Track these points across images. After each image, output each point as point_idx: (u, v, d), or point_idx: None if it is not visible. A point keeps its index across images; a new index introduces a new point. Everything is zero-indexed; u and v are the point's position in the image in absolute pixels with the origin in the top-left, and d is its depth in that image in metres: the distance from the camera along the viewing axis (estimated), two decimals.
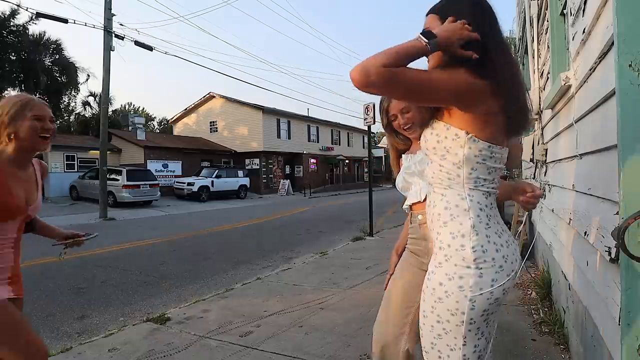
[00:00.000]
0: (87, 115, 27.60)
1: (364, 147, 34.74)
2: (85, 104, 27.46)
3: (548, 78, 3.11)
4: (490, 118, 1.06)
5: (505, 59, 1.09)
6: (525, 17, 4.36)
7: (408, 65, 0.98)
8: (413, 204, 1.57)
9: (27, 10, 21.14)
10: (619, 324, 1.16)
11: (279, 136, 26.51)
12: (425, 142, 1.16)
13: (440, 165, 1.12)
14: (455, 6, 1.10)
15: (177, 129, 29.18)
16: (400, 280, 1.62)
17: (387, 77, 0.94)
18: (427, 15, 1.16)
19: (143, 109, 45.31)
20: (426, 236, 1.52)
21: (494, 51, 1.06)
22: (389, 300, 1.63)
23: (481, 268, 1.05)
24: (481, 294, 1.05)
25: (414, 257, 1.60)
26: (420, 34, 1.01)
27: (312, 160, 29.65)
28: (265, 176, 25.52)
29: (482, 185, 1.10)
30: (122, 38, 13.53)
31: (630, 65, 1.03)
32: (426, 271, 1.47)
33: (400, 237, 1.77)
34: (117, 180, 15.75)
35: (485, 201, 1.10)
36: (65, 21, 12.29)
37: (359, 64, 0.95)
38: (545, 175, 3.47)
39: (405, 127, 1.56)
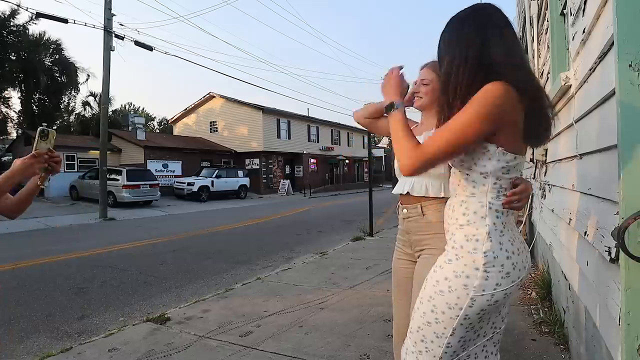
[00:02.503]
0: (87, 115, 27.58)
1: (364, 147, 34.73)
2: (85, 104, 27.46)
3: (548, 78, 3.11)
4: (518, 128, 1.08)
5: (516, 61, 1.08)
6: (525, 17, 4.36)
7: None
8: (400, 194, 1.60)
9: (27, 10, 21.23)
10: (619, 324, 1.16)
11: (279, 136, 26.50)
12: None
13: (467, 175, 1.15)
14: (454, 24, 1.16)
15: (177, 129, 29.17)
16: (397, 284, 1.67)
17: (419, 160, 1.08)
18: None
19: (143, 109, 45.46)
20: (408, 229, 1.58)
21: (503, 56, 1.07)
22: (394, 306, 1.68)
23: (488, 272, 1.09)
24: (482, 295, 1.09)
25: (402, 251, 1.66)
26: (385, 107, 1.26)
27: (312, 160, 29.64)
28: (265, 176, 25.52)
29: (504, 194, 1.13)
30: (122, 38, 13.54)
31: (630, 65, 1.03)
32: (412, 261, 1.58)
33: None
34: (117, 180, 15.75)
35: (503, 209, 1.13)
36: (65, 21, 12.29)
37: (401, 161, 1.12)
38: (545, 175, 3.47)
39: (415, 93, 1.59)
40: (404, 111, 1.22)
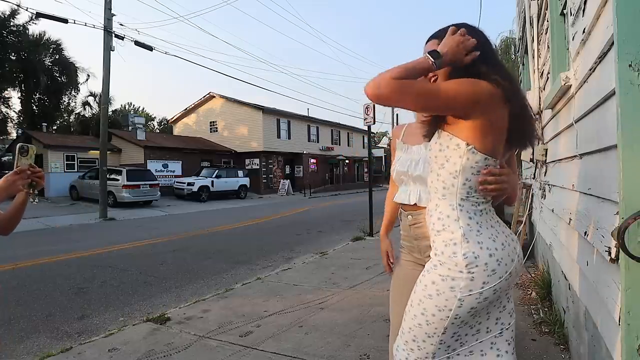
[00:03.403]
0: (87, 115, 27.57)
1: (364, 147, 34.74)
2: (85, 104, 27.46)
3: (548, 78, 3.11)
4: (493, 129, 1.12)
5: (503, 72, 1.19)
6: (525, 17, 4.36)
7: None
8: (403, 204, 1.58)
9: (27, 10, 21.24)
10: (619, 324, 1.17)
11: (279, 136, 26.50)
12: (430, 151, 1.23)
13: (438, 174, 1.18)
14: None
15: (177, 129, 29.16)
16: (398, 283, 1.65)
17: (395, 88, 1.03)
18: (427, 42, 1.29)
19: (143, 109, 45.47)
20: (416, 236, 1.55)
21: (496, 67, 1.16)
22: (393, 304, 1.65)
23: (473, 272, 1.10)
24: (470, 294, 1.11)
25: (408, 254, 1.63)
26: (428, 53, 1.11)
27: (312, 160, 29.64)
28: (265, 176, 25.51)
29: (473, 195, 1.16)
30: (122, 38, 13.53)
31: (630, 65, 1.03)
32: (421, 265, 1.53)
33: (384, 219, 1.80)
34: (117, 180, 15.74)
35: (475, 209, 1.16)
36: (65, 21, 12.29)
37: (372, 78, 1.05)
38: (545, 175, 3.47)
39: None
40: (433, 65, 1.11)
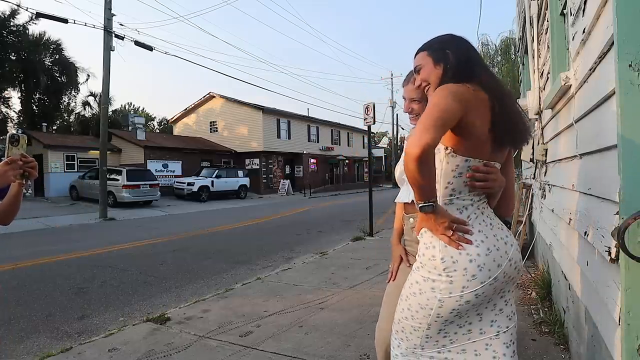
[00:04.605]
0: (87, 115, 27.55)
1: (364, 147, 34.73)
2: (85, 104, 27.43)
3: (548, 78, 3.11)
4: (473, 129, 1.11)
5: (490, 75, 1.23)
6: (525, 17, 4.36)
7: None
8: (405, 203, 1.59)
9: (27, 10, 21.23)
10: (619, 324, 1.17)
11: (279, 136, 26.49)
12: None
13: None
14: (441, 42, 1.26)
15: (177, 129, 29.16)
16: (398, 283, 1.64)
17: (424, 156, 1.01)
18: (416, 54, 1.31)
19: (143, 109, 45.40)
20: (417, 239, 1.54)
21: (479, 69, 1.20)
22: (389, 301, 1.64)
23: (451, 276, 1.12)
24: (450, 297, 1.12)
25: (411, 257, 1.62)
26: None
27: (312, 160, 29.63)
28: (265, 176, 25.51)
29: (458, 197, 1.17)
30: (122, 38, 13.53)
31: (630, 65, 1.03)
32: None
33: (394, 228, 1.78)
34: (117, 180, 15.74)
35: (461, 214, 1.16)
36: (65, 21, 12.29)
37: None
38: (545, 175, 3.47)
39: (409, 112, 1.60)
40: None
